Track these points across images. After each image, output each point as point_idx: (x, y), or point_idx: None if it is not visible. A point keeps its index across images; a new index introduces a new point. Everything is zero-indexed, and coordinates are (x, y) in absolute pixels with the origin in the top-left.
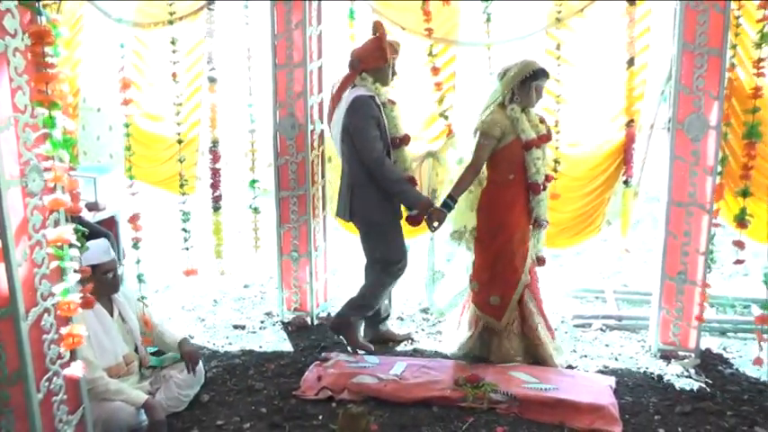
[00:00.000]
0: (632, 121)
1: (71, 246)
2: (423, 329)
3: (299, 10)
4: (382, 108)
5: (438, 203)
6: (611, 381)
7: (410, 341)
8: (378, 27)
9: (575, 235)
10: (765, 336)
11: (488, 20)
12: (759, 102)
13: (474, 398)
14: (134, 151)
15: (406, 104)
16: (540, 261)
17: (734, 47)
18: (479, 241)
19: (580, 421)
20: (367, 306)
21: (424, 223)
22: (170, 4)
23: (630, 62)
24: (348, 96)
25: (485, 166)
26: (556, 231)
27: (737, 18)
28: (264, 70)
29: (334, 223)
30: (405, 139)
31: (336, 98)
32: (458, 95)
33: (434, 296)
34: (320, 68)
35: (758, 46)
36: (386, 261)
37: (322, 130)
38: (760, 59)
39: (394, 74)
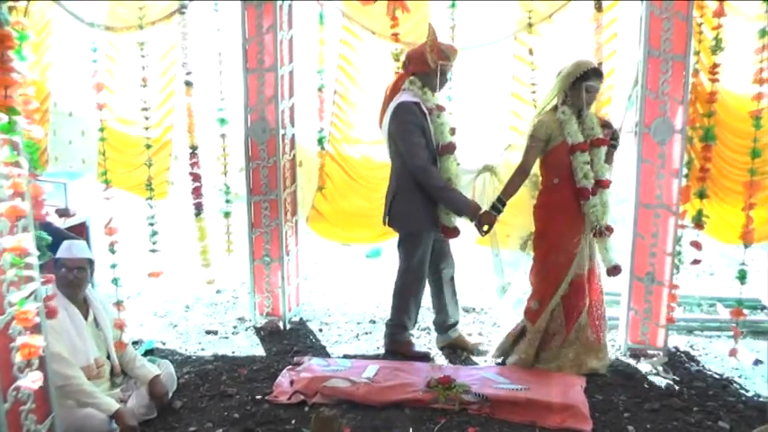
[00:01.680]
0: None
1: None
2: None
3: (269, 14)
4: (428, 114)
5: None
6: (582, 380)
7: (479, 351)
8: (429, 31)
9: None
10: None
11: (453, 26)
12: (719, 106)
13: (446, 399)
14: (108, 156)
15: (375, 108)
16: (611, 270)
17: (697, 53)
18: (533, 246)
19: (551, 420)
20: (401, 321)
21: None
22: (140, 8)
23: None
24: (394, 101)
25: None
26: None
27: (700, 26)
28: (236, 74)
29: (306, 228)
30: (449, 147)
31: (387, 101)
32: None
33: (505, 303)
34: (291, 73)
35: (713, 52)
36: (408, 270)
37: (293, 135)
38: (715, 65)
39: (445, 81)
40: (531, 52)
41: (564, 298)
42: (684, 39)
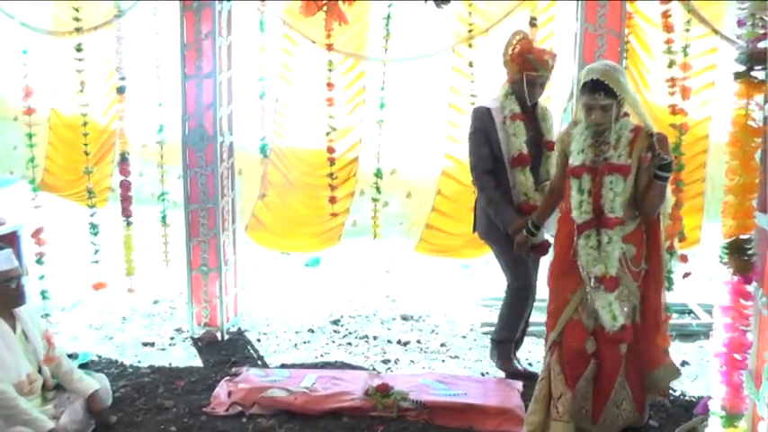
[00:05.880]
0: None
1: None
2: (333, 341)
3: (208, 20)
4: (502, 122)
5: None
6: (519, 384)
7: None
8: (507, 42)
9: (482, 245)
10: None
11: (387, 35)
12: None
13: (384, 407)
14: (54, 161)
15: (316, 116)
16: (615, 335)
17: (626, 68)
18: None
19: (488, 424)
20: (503, 334)
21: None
22: (76, 9)
23: None
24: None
25: None
26: (463, 242)
27: (629, 42)
28: (174, 80)
29: (244, 237)
30: (519, 159)
31: None
32: (367, 109)
33: None
34: (230, 80)
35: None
36: (510, 284)
37: (231, 143)
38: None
39: (534, 92)
40: (470, 65)
41: (558, 345)
42: (617, 54)
